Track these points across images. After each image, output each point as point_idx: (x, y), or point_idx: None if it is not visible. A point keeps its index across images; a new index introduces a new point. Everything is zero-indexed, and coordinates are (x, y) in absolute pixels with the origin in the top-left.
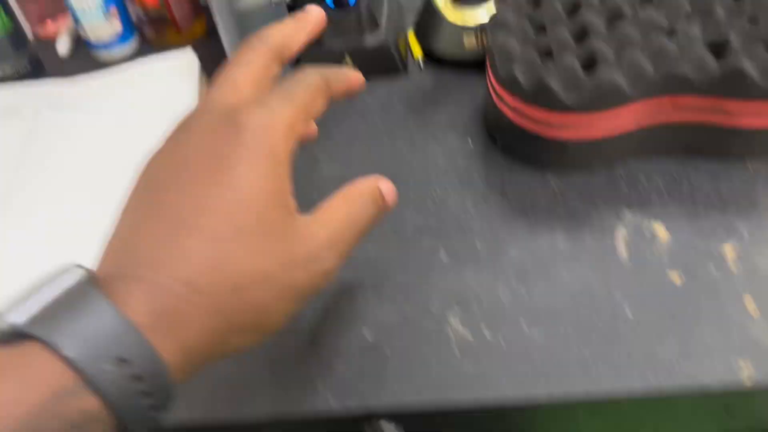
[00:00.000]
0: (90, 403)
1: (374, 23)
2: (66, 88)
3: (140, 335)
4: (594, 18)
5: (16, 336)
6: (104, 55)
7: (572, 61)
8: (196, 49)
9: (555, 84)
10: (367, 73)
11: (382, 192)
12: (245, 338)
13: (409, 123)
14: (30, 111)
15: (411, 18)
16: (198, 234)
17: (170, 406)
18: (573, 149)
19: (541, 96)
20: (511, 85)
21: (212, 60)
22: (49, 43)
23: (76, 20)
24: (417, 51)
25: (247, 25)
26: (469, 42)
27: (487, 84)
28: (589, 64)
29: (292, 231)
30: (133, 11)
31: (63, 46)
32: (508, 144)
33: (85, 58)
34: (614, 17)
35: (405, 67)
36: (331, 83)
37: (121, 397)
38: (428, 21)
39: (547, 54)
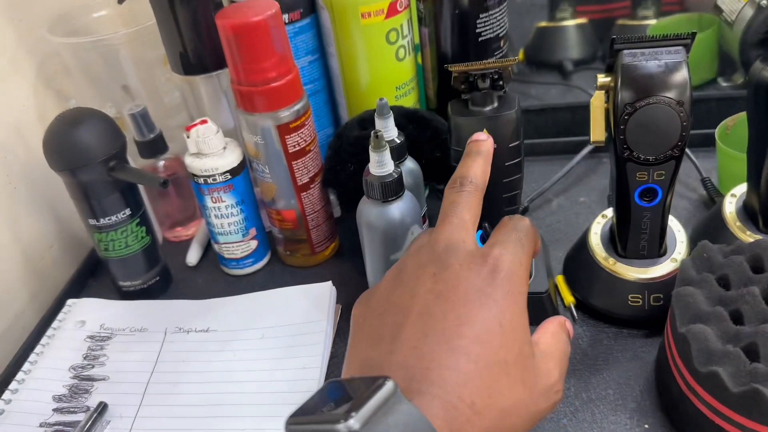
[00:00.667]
0: None
1: None
2: (197, 309)
3: None
4: None
5: None
6: (235, 270)
7: None
8: (324, 268)
9: None
10: None
11: (565, 326)
12: None
13: (570, 389)
14: (159, 333)
15: (557, 254)
16: (473, 361)
17: None
18: None
19: (753, 407)
20: (712, 385)
21: (342, 281)
22: (177, 246)
23: (214, 238)
24: (569, 298)
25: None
26: (634, 300)
27: (664, 360)
28: None
29: (538, 365)
30: (267, 225)
31: (193, 257)
32: None
33: (213, 268)
34: None
35: (556, 314)
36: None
37: None
38: (583, 268)
39: (748, 351)
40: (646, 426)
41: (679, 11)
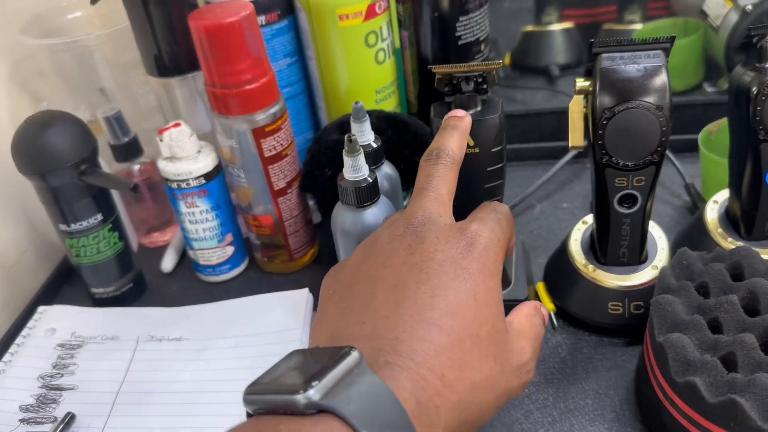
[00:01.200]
0: None
1: (504, 276)
2: (169, 317)
3: (411, 424)
4: None
5: (313, 408)
6: (210, 277)
7: None
8: (302, 274)
9: (750, 408)
10: None
11: (540, 310)
12: None
13: (548, 399)
14: (131, 342)
15: (538, 260)
16: (445, 333)
17: None
18: None
19: (731, 418)
20: (690, 396)
21: (318, 288)
22: (153, 252)
23: (189, 245)
24: (549, 305)
25: None
26: (614, 307)
27: (643, 369)
28: None
29: (510, 341)
30: (245, 231)
31: (168, 263)
32: None
33: (188, 275)
34: None
35: None
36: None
37: None
38: (563, 275)
39: (726, 360)
40: None
41: (666, 16)
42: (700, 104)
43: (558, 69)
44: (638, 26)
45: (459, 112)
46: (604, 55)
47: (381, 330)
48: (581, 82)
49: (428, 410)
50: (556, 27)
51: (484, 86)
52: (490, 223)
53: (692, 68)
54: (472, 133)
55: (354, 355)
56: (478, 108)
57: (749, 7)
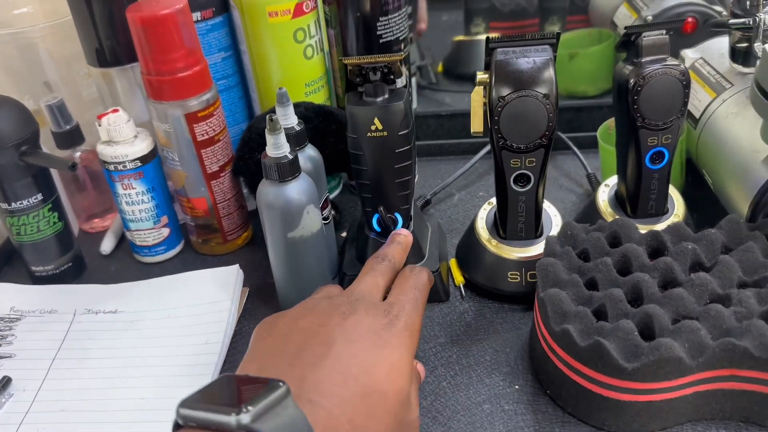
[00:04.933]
0: None
1: (419, 250)
2: (106, 293)
3: None
4: (648, 280)
5: (242, 429)
6: (147, 257)
7: (630, 327)
8: (236, 255)
9: (614, 349)
10: None
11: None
12: None
13: (452, 356)
14: (68, 314)
15: (453, 241)
16: (360, 386)
17: None
18: (628, 410)
19: (598, 359)
20: (565, 342)
21: (252, 267)
22: (93, 237)
23: (126, 226)
24: (459, 278)
25: (294, 250)
26: (513, 276)
27: (534, 327)
28: (644, 328)
29: (410, 402)
30: (182, 216)
31: (107, 246)
32: (558, 394)
33: (126, 257)
34: (668, 281)
35: (447, 294)
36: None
37: None
38: (471, 250)
39: (599, 312)
40: (517, 387)
41: (583, 28)
42: (607, 106)
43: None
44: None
45: (402, 231)
46: (499, 50)
47: (307, 373)
48: (481, 75)
49: None
50: (484, 37)
51: (391, 77)
52: (408, 306)
53: (604, 73)
54: (381, 118)
55: (283, 388)
56: (386, 96)
57: (650, 17)
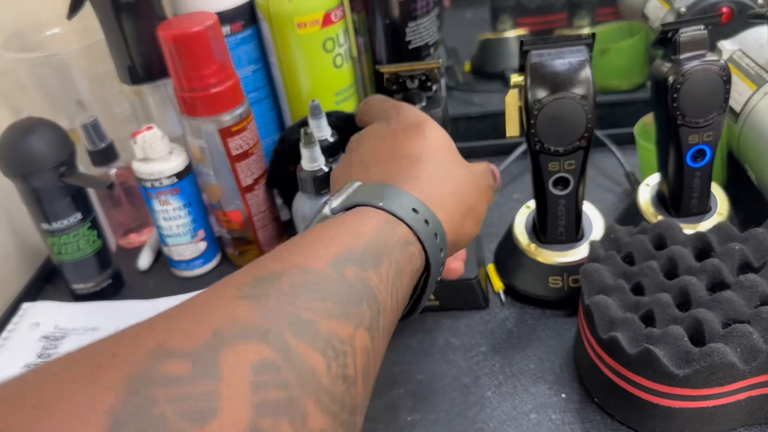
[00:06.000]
0: (406, 231)
1: None
2: (146, 308)
3: (428, 208)
4: (696, 283)
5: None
6: (184, 272)
7: (680, 333)
8: None
9: (664, 356)
10: (448, 306)
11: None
12: (471, 230)
13: (495, 365)
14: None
15: (491, 246)
16: (449, 189)
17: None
18: (679, 417)
19: (648, 367)
20: (614, 350)
21: None
22: (130, 253)
23: (163, 241)
24: (498, 285)
25: None
26: (554, 282)
27: (579, 333)
28: (694, 333)
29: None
30: (218, 229)
31: (144, 261)
32: (606, 402)
33: (164, 271)
34: (716, 283)
35: (486, 301)
36: None
37: (421, 231)
38: (509, 255)
39: (646, 318)
40: (563, 395)
41: (613, 21)
42: (641, 101)
43: (513, 73)
44: (587, 31)
45: None
46: (534, 52)
47: (383, 168)
48: (515, 78)
49: (440, 203)
50: (511, 34)
51: (428, 84)
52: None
53: (637, 68)
54: None
55: (356, 183)
56: (423, 103)
57: (683, 9)
